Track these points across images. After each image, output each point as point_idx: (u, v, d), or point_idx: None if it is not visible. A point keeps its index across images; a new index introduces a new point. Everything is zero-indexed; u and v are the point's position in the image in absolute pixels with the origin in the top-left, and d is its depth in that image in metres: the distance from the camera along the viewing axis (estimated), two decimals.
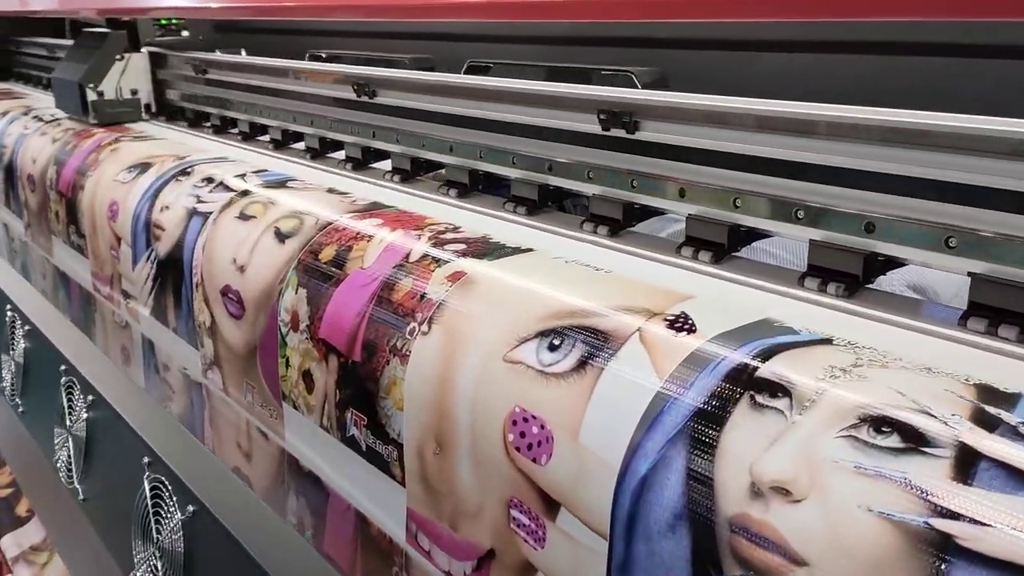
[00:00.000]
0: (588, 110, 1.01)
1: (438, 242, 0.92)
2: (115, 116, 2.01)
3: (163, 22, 2.25)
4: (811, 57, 1.28)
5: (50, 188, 1.84)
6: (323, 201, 1.15)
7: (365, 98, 1.38)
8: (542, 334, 0.73)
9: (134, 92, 2.10)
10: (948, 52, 1.07)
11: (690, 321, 0.68)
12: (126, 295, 1.50)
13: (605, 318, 0.71)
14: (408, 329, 0.84)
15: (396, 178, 1.31)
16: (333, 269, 0.98)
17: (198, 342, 1.26)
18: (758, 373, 0.60)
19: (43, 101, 2.48)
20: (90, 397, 1.69)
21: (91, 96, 1.99)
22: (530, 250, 0.90)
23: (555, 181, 1.08)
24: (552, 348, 0.71)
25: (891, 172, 0.74)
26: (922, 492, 0.49)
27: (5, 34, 3.20)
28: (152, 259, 1.37)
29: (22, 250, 2.22)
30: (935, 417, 0.52)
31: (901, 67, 1.16)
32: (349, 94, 1.40)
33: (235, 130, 1.78)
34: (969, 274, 0.70)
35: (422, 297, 0.85)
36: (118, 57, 2.05)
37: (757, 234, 0.89)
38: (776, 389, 0.58)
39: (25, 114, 2.28)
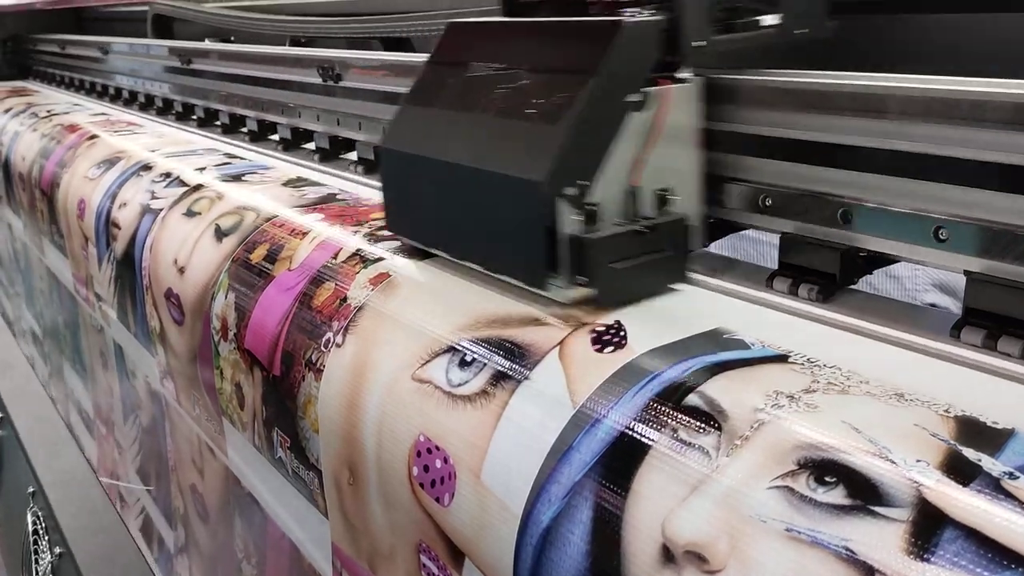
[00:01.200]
0: None
1: (376, 238, 0.82)
2: None
3: None
4: None
5: (35, 186, 1.79)
6: (273, 196, 1.06)
7: (331, 83, 1.28)
8: (456, 348, 0.62)
9: None
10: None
11: (622, 332, 0.57)
12: (98, 297, 1.44)
13: (528, 328, 0.60)
14: (324, 340, 0.74)
15: (360, 168, 1.22)
16: (262, 270, 0.89)
17: (154, 349, 1.19)
18: (687, 399, 0.49)
19: (52, 98, 2.45)
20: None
21: None
22: None
23: None
24: (464, 364, 0.61)
25: (862, 145, 0.61)
26: (866, 568, 0.37)
27: (21, 31, 3.19)
28: (112, 259, 1.30)
29: (23, 252, 2.19)
30: (894, 463, 0.41)
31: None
32: (315, 79, 1.31)
33: (217, 123, 1.70)
34: (965, 273, 0.57)
35: (342, 303, 0.75)
36: None
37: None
38: (705, 420, 0.47)
39: (24, 111, 2.25)
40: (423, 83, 0.80)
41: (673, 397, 0.50)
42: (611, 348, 0.56)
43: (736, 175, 0.69)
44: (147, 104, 2.05)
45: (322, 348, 0.74)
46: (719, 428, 0.46)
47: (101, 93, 2.42)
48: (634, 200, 0.62)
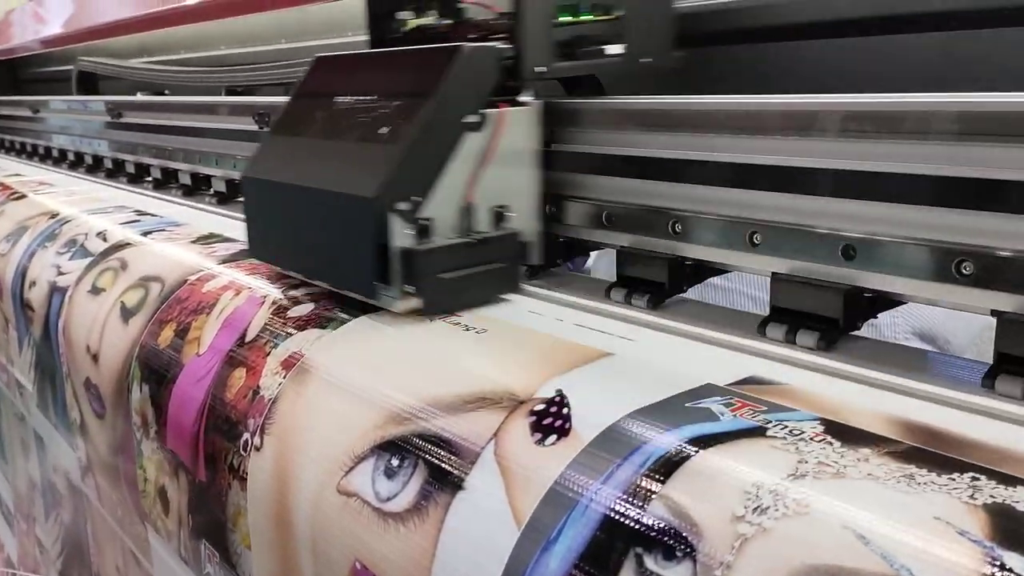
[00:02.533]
0: None
1: (281, 307, 0.75)
2: None
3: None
4: None
5: None
6: (178, 260, 0.99)
7: (266, 129, 1.22)
8: (380, 449, 0.55)
9: None
10: None
11: (565, 410, 0.50)
12: (19, 384, 1.36)
13: (456, 417, 0.53)
14: (242, 442, 0.67)
15: None
16: (171, 358, 0.81)
17: (75, 442, 1.11)
18: (651, 509, 0.41)
19: None
20: None
21: None
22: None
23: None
24: (390, 472, 0.53)
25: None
26: None
27: None
28: (31, 343, 1.23)
29: None
30: None
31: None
32: (251, 126, 1.25)
33: (148, 178, 1.64)
34: (994, 313, 0.50)
35: (254, 396, 0.67)
36: None
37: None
38: (675, 542, 0.39)
39: None
40: (286, 114, 0.83)
41: (633, 507, 0.42)
42: (553, 436, 0.48)
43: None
44: (77, 162, 1.99)
45: (241, 451, 0.67)
46: (693, 554, 0.38)
47: (31, 153, 2.36)
48: (469, 216, 0.67)
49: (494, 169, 0.67)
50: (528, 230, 0.71)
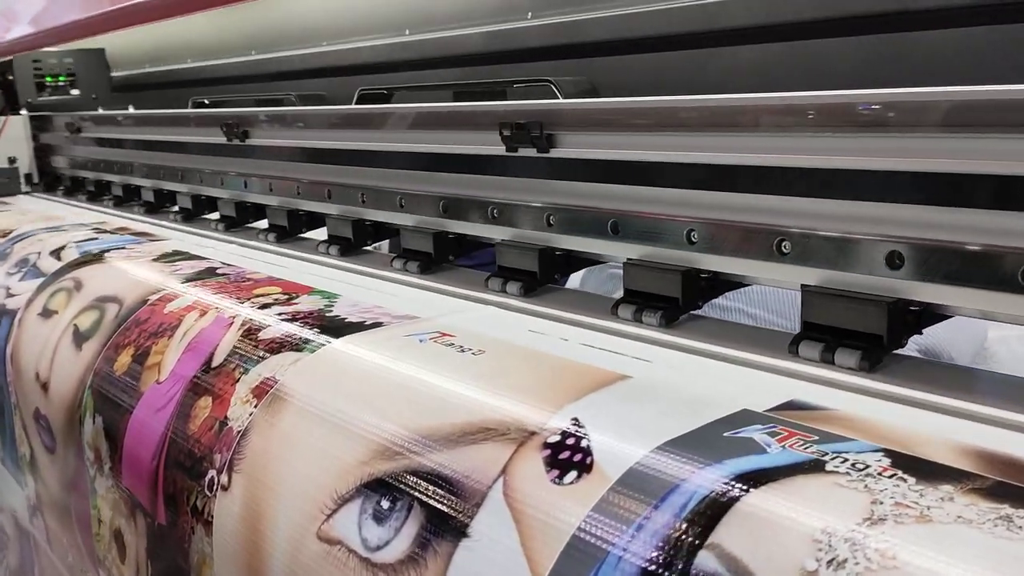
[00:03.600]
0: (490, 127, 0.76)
1: (252, 329, 0.67)
2: None
3: (48, 79, 2.05)
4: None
5: None
6: (137, 279, 0.91)
7: (236, 141, 1.15)
8: (367, 488, 0.48)
9: (12, 160, 1.90)
10: None
11: (584, 442, 0.43)
12: None
13: (456, 451, 0.46)
14: (207, 481, 0.59)
15: (271, 237, 1.08)
16: (127, 385, 0.73)
17: (23, 479, 1.02)
18: (697, 566, 0.35)
19: None
20: None
21: None
22: (377, 325, 0.64)
23: (455, 227, 0.84)
24: (379, 516, 0.46)
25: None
26: None
27: None
28: None
29: None
30: None
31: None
32: (219, 138, 1.18)
33: (109, 196, 1.56)
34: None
35: (222, 427, 0.60)
36: None
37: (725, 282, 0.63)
38: None
39: None
40: None
41: (677, 561, 0.35)
42: (573, 473, 0.42)
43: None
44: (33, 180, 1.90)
45: (206, 491, 0.59)
46: None
47: None
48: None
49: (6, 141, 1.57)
50: (25, 168, 1.73)
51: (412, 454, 0.47)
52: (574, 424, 0.45)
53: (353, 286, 0.81)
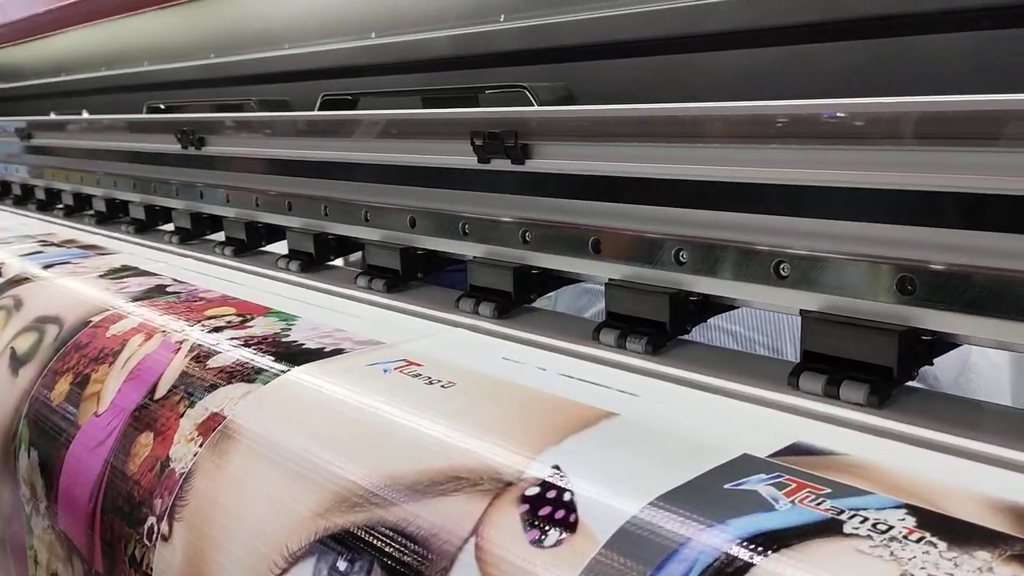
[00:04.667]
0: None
1: (201, 355, 0.62)
2: None
3: None
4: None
5: None
6: (81, 298, 0.85)
7: (192, 149, 1.09)
8: (323, 545, 0.42)
9: None
10: None
11: (567, 495, 0.38)
12: None
13: (423, 504, 0.41)
14: (146, 528, 0.53)
15: (228, 251, 1.02)
16: (65, 416, 0.67)
17: None
18: None
19: None
20: None
21: None
22: (338, 352, 0.59)
23: (424, 243, 0.79)
24: None
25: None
26: None
27: None
28: None
29: None
30: None
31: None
32: (173, 146, 1.12)
33: (60, 205, 1.48)
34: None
35: (163, 469, 0.54)
36: None
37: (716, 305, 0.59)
38: None
39: None
40: None
41: None
42: (556, 533, 0.37)
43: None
44: None
45: (145, 540, 0.53)
46: None
47: None
48: None
49: None
50: None
51: (373, 506, 0.42)
52: (555, 472, 0.40)
53: (314, 305, 0.76)
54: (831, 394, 0.49)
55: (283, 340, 0.63)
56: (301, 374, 0.56)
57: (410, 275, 0.80)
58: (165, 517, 0.52)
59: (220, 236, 1.07)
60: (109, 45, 1.88)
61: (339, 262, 0.94)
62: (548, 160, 0.66)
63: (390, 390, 0.52)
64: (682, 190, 0.57)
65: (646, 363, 0.57)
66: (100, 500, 0.59)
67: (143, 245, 1.14)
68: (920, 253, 0.46)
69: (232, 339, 0.64)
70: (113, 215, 1.31)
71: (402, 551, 0.40)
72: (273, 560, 0.44)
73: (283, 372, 0.56)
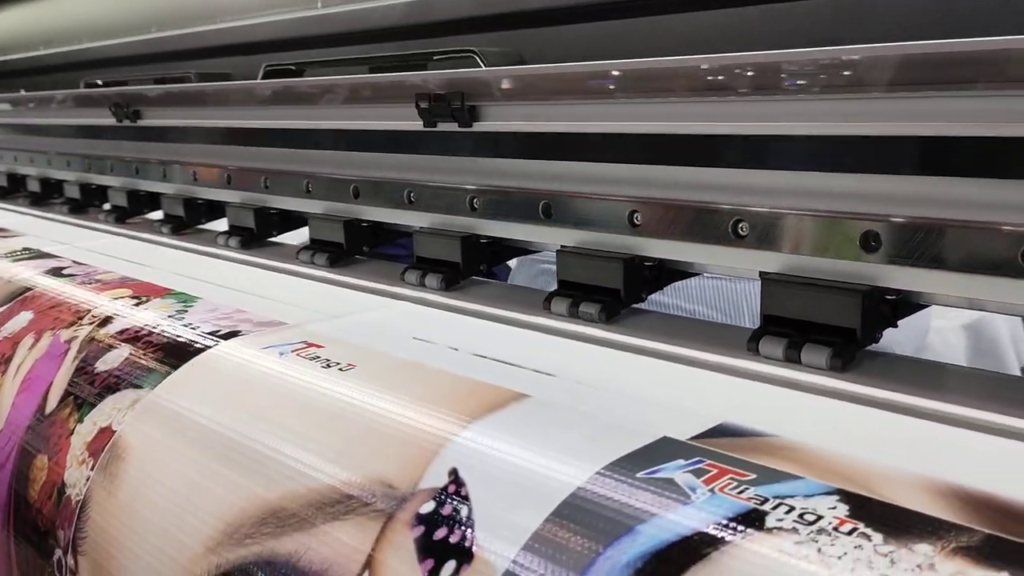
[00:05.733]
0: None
1: (88, 357, 0.57)
2: None
3: None
4: None
5: None
6: None
7: (127, 122, 1.04)
8: None
9: None
10: None
11: (464, 509, 0.35)
12: None
13: (311, 536, 0.37)
14: (55, 561, 0.49)
15: (166, 228, 0.97)
16: None
17: None
18: None
19: None
20: None
21: None
22: (233, 335, 0.55)
23: (369, 214, 0.75)
24: None
25: None
26: None
27: None
28: None
29: None
30: None
31: None
32: (108, 119, 1.07)
33: None
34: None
35: (60, 496, 0.50)
36: None
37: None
38: None
39: None
40: None
41: None
42: (451, 564, 0.33)
43: None
44: None
45: (56, 573, 0.49)
46: None
47: None
48: None
49: None
50: None
51: (263, 537, 0.38)
52: (452, 481, 0.36)
53: (250, 285, 0.72)
54: (792, 359, 0.46)
55: (175, 329, 0.58)
56: (188, 373, 0.51)
57: (355, 249, 0.76)
58: (69, 550, 0.48)
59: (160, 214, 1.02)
60: (46, 23, 1.80)
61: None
62: (496, 122, 0.63)
63: (286, 379, 0.48)
64: (634, 147, 0.54)
65: (599, 332, 0.54)
66: (12, 529, 0.55)
67: (77, 225, 1.08)
68: (884, 206, 0.44)
69: (120, 333, 0.59)
70: (48, 195, 1.25)
71: None
72: None
73: (169, 372, 0.52)
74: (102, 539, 0.46)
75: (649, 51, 0.83)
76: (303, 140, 0.81)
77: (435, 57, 0.89)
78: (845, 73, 0.43)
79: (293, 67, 1.03)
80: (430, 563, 0.33)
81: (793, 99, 0.46)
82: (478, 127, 0.64)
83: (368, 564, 0.34)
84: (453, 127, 0.66)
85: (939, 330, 1.44)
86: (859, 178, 0.44)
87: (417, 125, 0.68)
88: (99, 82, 1.38)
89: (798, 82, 0.45)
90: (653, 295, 0.57)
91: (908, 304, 0.46)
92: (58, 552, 0.48)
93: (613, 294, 0.56)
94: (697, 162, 0.50)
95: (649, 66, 0.52)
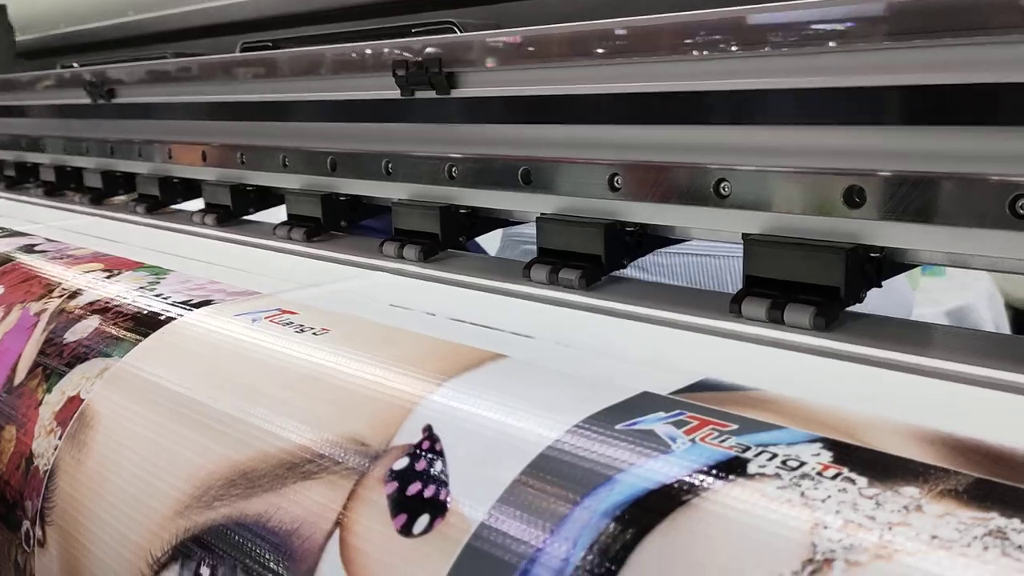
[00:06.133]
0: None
1: (57, 328, 0.56)
2: None
3: None
4: None
5: None
6: None
7: (101, 101, 1.02)
8: (183, 551, 0.38)
9: None
10: None
11: (438, 464, 0.34)
12: None
13: (282, 495, 0.36)
14: (23, 532, 0.48)
15: (140, 208, 0.95)
16: None
17: None
18: None
19: None
20: None
21: None
22: (206, 303, 0.54)
23: (346, 187, 0.74)
24: None
25: None
26: None
27: None
28: None
29: None
30: None
31: None
32: (83, 99, 1.05)
33: None
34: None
35: (28, 467, 0.49)
36: None
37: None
38: None
39: None
40: None
41: None
42: (425, 518, 0.32)
43: None
44: None
45: (25, 546, 0.48)
46: None
47: None
48: None
49: None
50: None
51: (232, 499, 0.37)
52: (427, 437, 0.35)
53: (225, 259, 0.70)
54: (775, 319, 0.45)
55: (146, 299, 0.57)
56: (159, 340, 0.50)
57: (332, 223, 0.75)
58: (37, 521, 0.47)
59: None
60: (22, 8, 1.78)
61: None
62: (475, 88, 0.62)
63: (257, 344, 0.47)
64: (613, 109, 0.53)
65: (579, 298, 0.53)
66: None
67: (53, 207, 1.07)
68: (869, 160, 0.43)
69: (90, 304, 0.58)
70: (24, 179, 1.23)
71: (263, 554, 0.35)
72: (140, 569, 0.39)
73: (139, 340, 0.51)
74: (70, 507, 0.45)
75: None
76: (280, 114, 0.80)
77: (413, 30, 0.88)
78: (825, 27, 0.42)
79: (270, 43, 1.02)
80: (403, 518, 0.32)
81: (775, 54, 0.45)
82: (456, 94, 0.63)
83: (339, 522, 0.33)
84: (431, 95, 0.65)
85: (922, 317, 1.45)
86: (843, 132, 0.43)
87: (395, 94, 0.67)
88: (75, 65, 1.36)
89: (779, 36, 0.44)
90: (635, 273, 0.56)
91: (893, 264, 0.46)
92: (26, 524, 0.47)
93: (594, 260, 0.55)
94: (678, 121, 0.49)
95: (625, 25, 0.51)
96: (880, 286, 0.46)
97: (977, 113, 0.39)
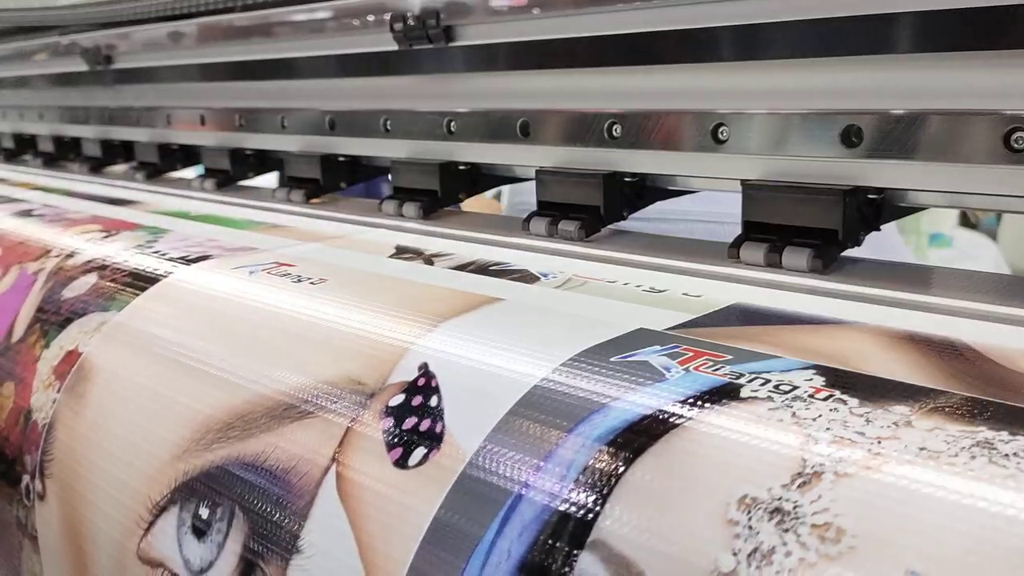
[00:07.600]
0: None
1: (56, 285, 0.57)
2: None
3: None
4: None
5: None
6: None
7: (99, 67, 1.02)
8: (182, 493, 0.39)
9: None
10: None
11: (434, 399, 0.35)
12: None
13: (278, 435, 0.37)
14: (23, 487, 0.49)
15: (140, 176, 0.96)
16: None
17: None
18: (580, 566, 0.27)
19: None
20: None
21: None
22: (204, 259, 0.54)
23: (345, 147, 0.74)
24: (199, 529, 0.38)
25: None
26: None
27: None
28: None
29: None
30: None
31: None
32: (80, 67, 1.05)
33: None
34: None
35: (26, 421, 0.50)
36: None
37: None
38: None
39: None
40: None
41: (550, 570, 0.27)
42: (421, 450, 0.33)
43: None
44: None
45: (25, 500, 0.49)
46: None
47: None
48: None
49: None
50: None
51: (229, 441, 0.38)
52: (423, 374, 0.36)
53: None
54: (773, 263, 0.46)
55: (144, 256, 0.57)
56: (157, 294, 0.51)
57: (332, 184, 0.76)
58: (37, 475, 0.48)
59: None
60: None
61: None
62: (472, 40, 0.62)
63: (254, 295, 0.47)
64: (608, 50, 0.53)
65: (579, 248, 0.53)
66: None
67: (53, 176, 1.07)
68: (866, 99, 0.43)
69: (87, 263, 0.58)
70: (23, 150, 1.24)
71: (259, 493, 0.36)
72: (139, 514, 0.40)
73: (137, 295, 0.51)
74: (69, 459, 0.45)
75: None
76: (278, 73, 0.80)
77: None
78: None
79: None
80: (398, 451, 0.33)
81: None
82: (454, 46, 0.63)
83: (335, 458, 0.34)
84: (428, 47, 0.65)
85: None
86: (839, 68, 0.43)
87: (393, 47, 0.67)
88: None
89: None
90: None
91: (892, 207, 0.46)
92: (25, 478, 0.48)
93: (593, 212, 0.55)
94: (675, 60, 0.49)
95: None
96: (879, 229, 0.47)
97: (969, 39, 0.39)
